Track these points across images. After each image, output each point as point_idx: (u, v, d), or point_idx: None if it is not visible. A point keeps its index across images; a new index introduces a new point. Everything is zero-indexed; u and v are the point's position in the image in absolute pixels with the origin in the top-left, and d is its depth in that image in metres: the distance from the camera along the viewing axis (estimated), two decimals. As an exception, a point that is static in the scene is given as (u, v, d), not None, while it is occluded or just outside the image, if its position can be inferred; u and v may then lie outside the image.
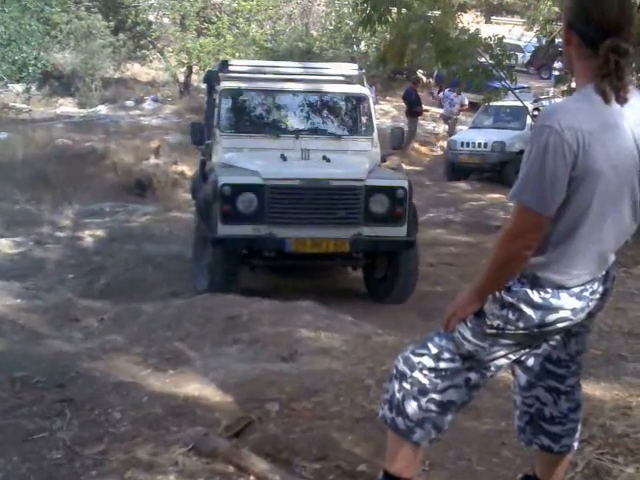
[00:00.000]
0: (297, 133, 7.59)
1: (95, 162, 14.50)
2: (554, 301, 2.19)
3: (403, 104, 19.75)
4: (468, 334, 2.29)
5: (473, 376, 2.35)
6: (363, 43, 24.92)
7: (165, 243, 9.74)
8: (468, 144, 15.49)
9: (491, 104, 11.72)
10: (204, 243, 7.12)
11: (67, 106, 21.87)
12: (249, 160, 7.11)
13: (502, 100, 11.07)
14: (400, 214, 6.85)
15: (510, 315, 2.21)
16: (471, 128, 16.88)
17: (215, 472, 2.92)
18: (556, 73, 15.81)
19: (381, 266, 7.37)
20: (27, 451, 3.17)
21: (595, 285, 2.25)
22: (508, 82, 9.46)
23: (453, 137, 16.74)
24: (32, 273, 8.53)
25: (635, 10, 2.17)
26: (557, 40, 11.08)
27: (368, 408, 3.50)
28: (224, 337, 4.92)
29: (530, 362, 2.47)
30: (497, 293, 2.23)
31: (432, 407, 2.35)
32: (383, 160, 7.95)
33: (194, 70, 23.16)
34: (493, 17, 36.09)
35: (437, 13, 9.26)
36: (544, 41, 12.05)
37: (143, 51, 24.43)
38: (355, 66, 8.74)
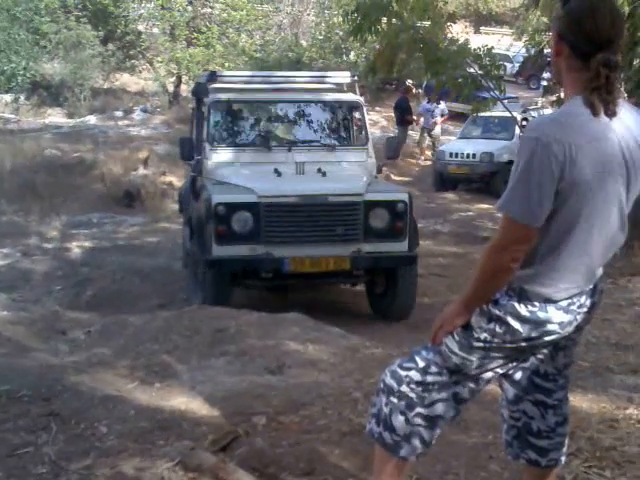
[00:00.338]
0: (290, 145, 7.39)
1: (83, 172, 14.50)
2: (542, 314, 2.18)
3: (393, 115, 19.71)
4: (455, 347, 2.28)
5: (461, 390, 2.34)
6: (352, 53, 24.95)
7: (153, 254, 9.72)
8: (457, 154, 15.50)
9: (480, 114, 11.75)
10: (195, 260, 6.94)
11: (56, 116, 21.82)
12: (242, 176, 6.87)
13: (491, 110, 11.10)
14: (401, 228, 6.69)
15: (497, 328, 2.21)
16: (460, 138, 16.88)
17: (201, 487, 2.89)
18: (544, 83, 15.88)
19: (381, 282, 7.19)
20: (12, 466, 3.14)
21: (583, 298, 2.25)
22: (497, 92, 9.48)
23: (442, 147, 16.76)
24: (19, 285, 8.51)
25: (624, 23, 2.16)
26: (546, 50, 11.12)
27: (355, 421, 3.48)
28: (211, 349, 4.89)
29: (518, 376, 2.47)
30: (484, 306, 2.22)
31: (419, 421, 2.33)
32: (379, 171, 7.76)
33: (183, 80, 23.22)
34: (482, 27, 36.42)
35: (427, 23, 9.28)
36: (533, 51, 12.09)
37: (132, 61, 24.52)
38: (348, 73, 8.43)
